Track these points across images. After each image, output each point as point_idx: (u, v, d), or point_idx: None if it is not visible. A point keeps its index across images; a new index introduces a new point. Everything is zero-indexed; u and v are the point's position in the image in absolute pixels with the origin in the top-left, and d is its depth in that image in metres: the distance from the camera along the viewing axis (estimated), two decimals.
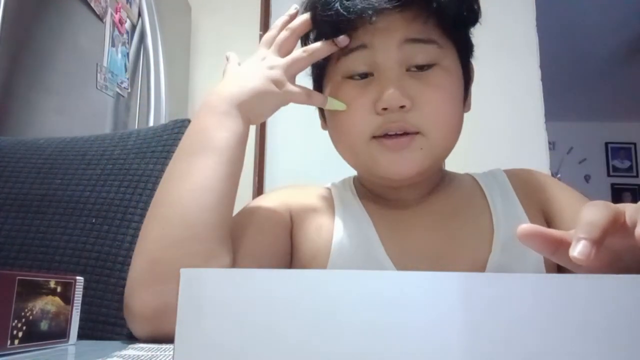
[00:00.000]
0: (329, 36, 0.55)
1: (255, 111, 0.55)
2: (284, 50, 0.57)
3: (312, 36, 0.60)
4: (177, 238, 0.48)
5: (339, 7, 0.53)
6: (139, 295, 0.47)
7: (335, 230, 0.59)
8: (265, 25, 2.12)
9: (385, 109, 0.52)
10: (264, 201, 0.63)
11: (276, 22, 0.60)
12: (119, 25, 1.40)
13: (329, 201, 0.63)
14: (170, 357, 0.36)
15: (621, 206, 0.33)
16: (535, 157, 1.90)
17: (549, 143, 1.94)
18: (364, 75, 0.55)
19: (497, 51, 1.92)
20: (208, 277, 0.22)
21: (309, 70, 0.62)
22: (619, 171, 4.50)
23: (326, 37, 0.56)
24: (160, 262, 0.47)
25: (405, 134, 0.53)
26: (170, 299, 0.42)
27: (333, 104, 0.55)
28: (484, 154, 1.85)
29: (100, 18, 1.30)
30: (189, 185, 0.51)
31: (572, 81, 3.75)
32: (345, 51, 0.55)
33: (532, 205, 0.60)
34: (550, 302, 0.19)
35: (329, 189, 0.67)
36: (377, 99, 0.53)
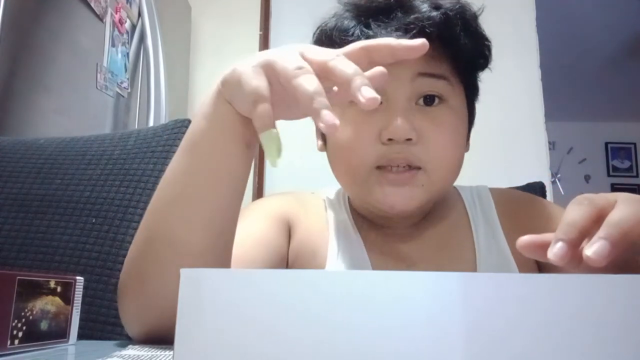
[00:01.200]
0: None
1: (234, 96, 0.42)
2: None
3: None
4: (150, 251, 0.44)
5: (359, 34, 0.53)
6: (122, 297, 0.46)
7: (328, 259, 0.59)
8: (265, 25, 2.12)
9: (390, 139, 0.52)
10: (261, 221, 0.60)
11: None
12: (119, 25, 1.40)
13: (323, 221, 0.63)
14: (170, 357, 0.36)
15: (605, 201, 0.32)
16: (535, 157, 1.90)
17: (549, 143, 1.94)
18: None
19: (497, 51, 1.91)
20: (208, 277, 0.22)
21: None
22: (619, 171, 4.50)
23: None
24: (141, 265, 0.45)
25: (408, 167, 0.53)
26: (150, 301, 0.43)
27: (267, 141, 0.37)
28: (484, 154, 1.85)
29: (100, 18, 1.30)
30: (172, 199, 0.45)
31: (572, 81, 3.75)
32: None
33: (515, 230, 0.60)
34: (550, 302, 0.19)
35: (324, 202, 0.66)
36: (384, 129, 0.52)
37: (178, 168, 0.45)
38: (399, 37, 0.51)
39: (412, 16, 0.52)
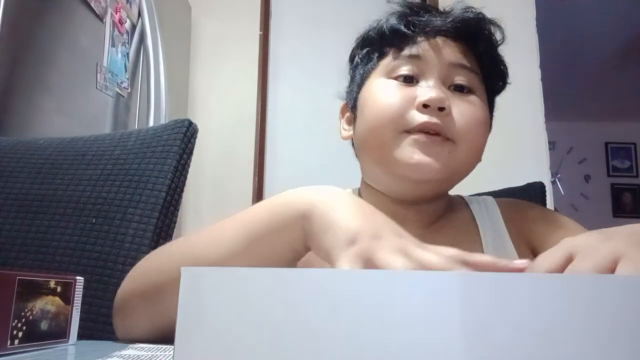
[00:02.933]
0: (385, 45, 0.61)
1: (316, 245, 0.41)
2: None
3: (363, 50, 0.64)
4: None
5: (407, 19, 0.59)
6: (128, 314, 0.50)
7: None
8: (265, 25, 2.12)
9: (425, 106, 0.54)
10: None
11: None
12: (119, 25, 1.40)
13: None
14: (170, 357, 0.36)
15: (583, 250, 0.32)
16: (535, 157, 1.90)
17: (549, 143, 1.94)
18: (409, 80, 0.58)
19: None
20: (208, 277, 0.22)
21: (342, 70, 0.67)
22: (619, 171, 4.50)
23: (381, 46, 0.61)
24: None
25: (439, 136, 0.54)
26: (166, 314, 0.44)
27: None
28: (484, 154, 1.84)
29: (100, 18, 1.30)
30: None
31: (572, 81, 3.75)
32: (398, 55, 0.59)
33: (522, 239, 0.62)
34: (550, 302, 0.19)
35: None
36: (419, 96, 0.55)
37: (233, 238, 0.45)
38: (440, 25, 0.58)
39: (450, 18, 0.59)
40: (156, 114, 1.41)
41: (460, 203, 0.67)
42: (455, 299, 0.19)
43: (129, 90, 1.45)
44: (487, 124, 0.60)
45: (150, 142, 0.73)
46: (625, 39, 3.36)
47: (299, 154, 2.03)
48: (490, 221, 0.63)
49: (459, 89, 0.58)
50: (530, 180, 0.90)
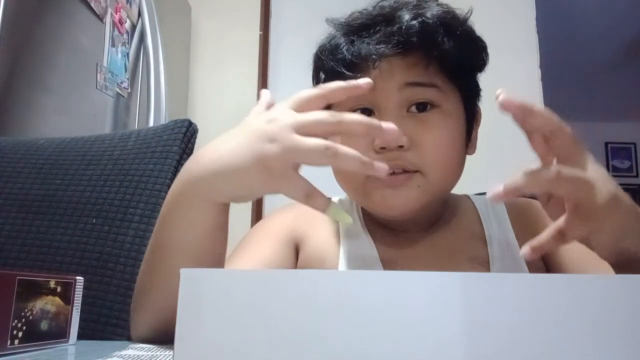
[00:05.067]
0: (335, 79, 0.58)
1: (228, 194, 0.44)
2: (305, 108, 0.43)
3: (320, 79, 0.62)
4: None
5: (346, 52, 0.56)
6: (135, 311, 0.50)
7: (340, 264, 0.59)
8: (265, 25, 2.12)
9: (383, 148, 0.53)
10: (268, 244, 0.61)
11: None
12: (119, 25, 1.40)
13: (335, 228, 0.63)
14: (170, 357, 0.36)
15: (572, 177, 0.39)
16: (536, 157, 1.89)
17: None
18: (366, 114, 0.56)
19: (497, 51, 1.91)
20: (208, 277, 0.22)
21: None
22: (619, 171, 4.50)
23: (330, 79, 0.58)
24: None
25: (404, 172, 0.54)
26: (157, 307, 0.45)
27: (336, 214, 0.42)
28: (484, 153, 1.84)
29: (100, 18, 1.30)
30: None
31: (572, 81, 3.75)
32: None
33: (528, 238, 0.60)
34: (550, 301, 0.19)
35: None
36: (375, 138, 0.53)
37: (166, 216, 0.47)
38: (381, 49, 0.54)
39: (393, 28, 0.54)
40: (156, 114, 1.41)
41: (466, 202, 0.66)
42: (456, 299, 0.19)
43: (129, 90, 1.45)
44: (456, 140, 0.57)
45: (150, 142, 0.73)
46: (625, 39, 3.36)
47: None
48: (497, 220, 0.63)
49: (422, 108, 0.55)
50: None
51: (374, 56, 0.54)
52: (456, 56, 0.55)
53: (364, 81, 0.43)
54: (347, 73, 0.55)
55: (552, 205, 0.43)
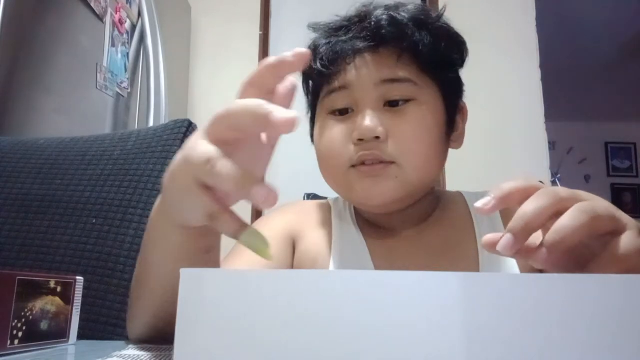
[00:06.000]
0: (317, 80, 0.61)
1: (173, 216, 0.38)
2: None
3: (306, 82, 0.64)
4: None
5: (323, 52, 0.58)
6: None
7: (331, 264, 0.60)
8: (265, 25, 2.12)
9: (361, 140, 0.55)
10: (267, 236, 0.62)
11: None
12: (119, 25, 1.40)
13: (328, 227, 0.64)
14: (170, 357, 0.36)
15: (569, 197, 0.33)
16: (535, 157, 1.90)
17: (549, 143, 1.94)
18: (345, 112, 0.58)
19: (497, 51, 1.92)
20: (208, 277, 0.22)
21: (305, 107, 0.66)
22: (619, 171, 4.50)
23: (315, 81, 0.62)
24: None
25: (381, 163, 0.55)
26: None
27: (249, 241, 0.32)
28: (484, 154, 1.85)
29: (100, 18, 1.30)
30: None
31: (572, 81, 3.75)
32: (329, 90, 0.59)
33: None
34: (550, 301, 0.19)
35: (329, 206, 0.68)
36: (354, 130, 0.56)
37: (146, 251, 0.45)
38: (354, 44, 0.56)
39: (365, 24, 0.57)
40: (156, 114, 1.41)
41: (458, 199, 0.67)
42: (455, 299, 0.19)
43: (129, 90, 1.45)
44: (433, 131, 0.58)
45: (150, 142, 0.73)
46: (625, 39, 3.36)
47: (299, 154, 2.03)
48: (488, 217, 0.63)
49: (395, 104, 0.56)
50: None
51: (349, 52, 0.57)
52: (429, 49, 0.57)
53: (294, 51, 0.36)
54: (325, 71, 0.57)
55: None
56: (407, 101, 0.56)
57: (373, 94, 0.56)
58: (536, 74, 1.95)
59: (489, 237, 0.34)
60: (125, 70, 1.43)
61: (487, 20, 1.93)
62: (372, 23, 0.57)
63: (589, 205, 0.32)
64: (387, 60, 0.56)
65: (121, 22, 1.41)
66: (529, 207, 0.32)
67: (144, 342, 0.46)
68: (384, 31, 0.56)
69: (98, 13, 1.28)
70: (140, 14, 1.49)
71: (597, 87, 3.92)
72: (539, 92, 1.94)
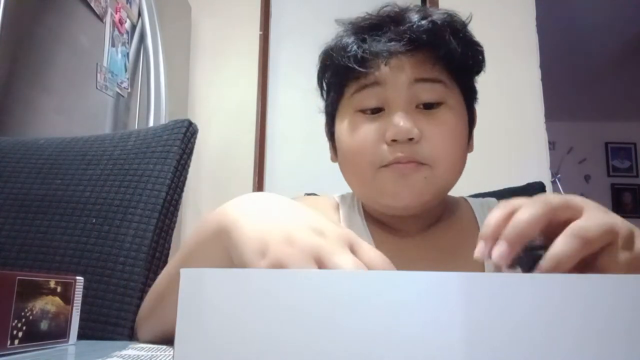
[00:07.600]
0: (344, 76, 0.60)
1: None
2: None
3: (327, 76, 0.64)
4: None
5: (357, 49, 0.57)
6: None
7: None
8: (265, 25, 2.12)
9: (394, 140, 0.55)
10: None
11: None
12: (119, 25, 1.40)
13: (335, 220, 0.64)
14: (170, 357, 0.36)
15: (561, 205, 0.34)
16: (535, 157, 1.90)
17: (549, 143, 1.94)
18: (376, 111, 0.58)
19: (498, 51, 1.91)
20: (208, 277, 0.22)
21: (321, 106, 0.66)
22: (619, 171, 4.50)
23: (341, 77, 0.60)
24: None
25: (414, 162, 0.55)
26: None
27: None
28: (484, 154, 1.84)
29: (100, 18, 1.30)
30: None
31: (572, 81, 3.75)
32: (359, 87, 0.58)
33: None
34: (551, 301, 0.19)
35: (337, 203, 0.68)
36: (387, 131, 0.55)
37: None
38: (392, 46, 0.56)
39: (403, 27, 0.57)
40: (156, 114, 1.41)
41: (464, 205, 0.68)
42: (456, 299, 0.19)
43: (129, 90, 1.45)
44: (461, 136, 0.59)
45: (150, 142, 0.73)
46: (625, 39, 3.36)
47: (299, 154, 2.03)
48: None
49: (428, 106, 0.57)
50: (531, 180, 0.90)
51: (385, 53, 0.56)
52: (460, 56, 0.58)
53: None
54: (358, 69, 0.57)
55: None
56: (438, 105, 0.57)
57: (406, 94, 0.56)
58: (536, 74, 1.95)
59: (481, 247, 0.35)
60: (125, 70, 1.43)
61: (487, 20, 1.93)
62: (413, 27, 0.56)
63: (582, 228, 0.32)
64: (422, 62, 0.57)
65: (121, 22, 1.41)
66: (522, 216, 0.33)
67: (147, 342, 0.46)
68: (424, 36, 0.56)
69: (98, 13, 1.28)
70: (140, 14, 1.49)
71: (597, 87, 3.92)
72: (539, 92, 1.94)
